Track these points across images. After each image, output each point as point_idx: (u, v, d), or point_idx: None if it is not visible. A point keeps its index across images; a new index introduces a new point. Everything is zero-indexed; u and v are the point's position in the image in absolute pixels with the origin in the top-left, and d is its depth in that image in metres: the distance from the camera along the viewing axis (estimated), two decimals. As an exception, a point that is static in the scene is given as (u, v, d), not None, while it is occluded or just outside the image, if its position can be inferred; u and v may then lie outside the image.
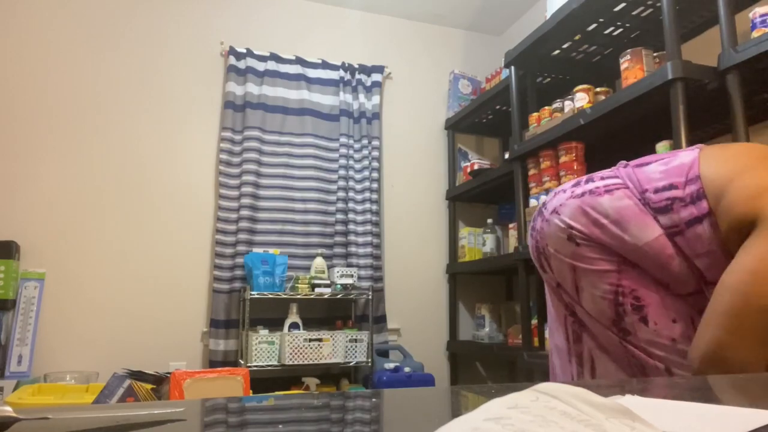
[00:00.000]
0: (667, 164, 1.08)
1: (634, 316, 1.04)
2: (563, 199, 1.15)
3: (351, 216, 3.10)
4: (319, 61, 3.23)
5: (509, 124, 2.73)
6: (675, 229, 1.03)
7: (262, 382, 2.74)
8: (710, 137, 2.21)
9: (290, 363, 2.63)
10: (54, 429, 0.40)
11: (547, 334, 2.36)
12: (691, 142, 1.69)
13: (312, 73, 3.21)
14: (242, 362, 2.67)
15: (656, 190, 1.06)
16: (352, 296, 2.92)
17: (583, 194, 1.12)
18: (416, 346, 3.13)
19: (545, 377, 2.40)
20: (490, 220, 3.17)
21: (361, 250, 3.07)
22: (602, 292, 1.07)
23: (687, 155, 1.07)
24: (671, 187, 1.05)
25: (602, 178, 1.14)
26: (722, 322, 0.92)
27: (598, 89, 2.22)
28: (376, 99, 3.30)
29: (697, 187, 1.01)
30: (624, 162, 1.17)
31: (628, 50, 2.04)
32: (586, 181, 1.16)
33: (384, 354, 2.95)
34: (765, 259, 0.91)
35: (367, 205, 3.12)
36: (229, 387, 1.69)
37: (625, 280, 1.06)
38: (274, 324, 2.81)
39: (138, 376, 1.69)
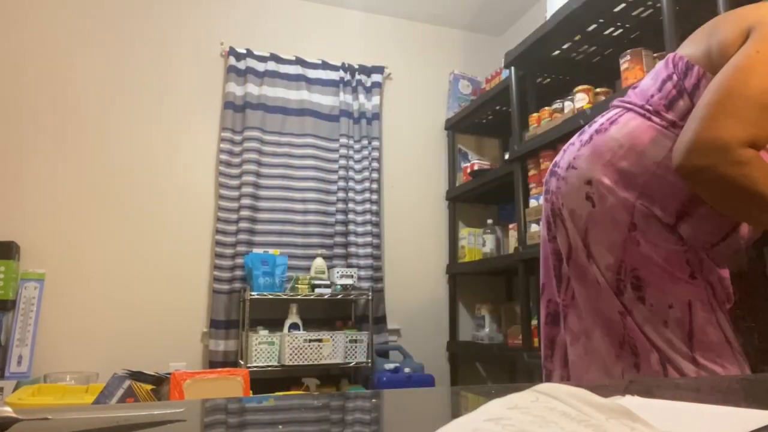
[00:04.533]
0: (654, 71, 1.12)
1: (633, 294, 1.03)
2: (575, 151, 1.13)
3: (351, 216, 3.10)
4: (319, 62, 3.23)
5: (509, 124, 2.73)
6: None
7: (262, 382, 2.74)
8: (710, 138, 2.20)
9: (290, 363, 2.63)
10: (54, 429, 0.40)
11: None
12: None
13: (312, 73, 3.21)
14: (242, 363, 2.67)
15: (657, 91, 1.07)
16: (351, 297, 2.92)
17: (591, 138, 1.11)
18: (416, 347, 3.13)
19: (545, 378, 2.40)
20: (490, 221, 3.17)
21: (361, 251, 3.07)
22: (607, 262, 1.06)
23: (666, 57, 1.11)
24: (667, 79, 1.07)
25: (603, 115, 1.14)
26: (705, 112, 0.93)
27: (598, 90, 2.22)
28: (376, 99, 3.30)
29: (684, 62, 1.05)
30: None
31: (628, 51, 2.04)
32: (590, 125, 1.16)
33: (384, 354, 2.95)
34: (751, 55, 0.93)
35: (367, 206, 3.12)
36: (229, 387, 1.69)
37: (628, 257, 1.04)
38: (274, 324, 2.80)
39: (138, 376, 1.69)
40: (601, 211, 1.06)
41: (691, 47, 1.07)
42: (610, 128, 1.09)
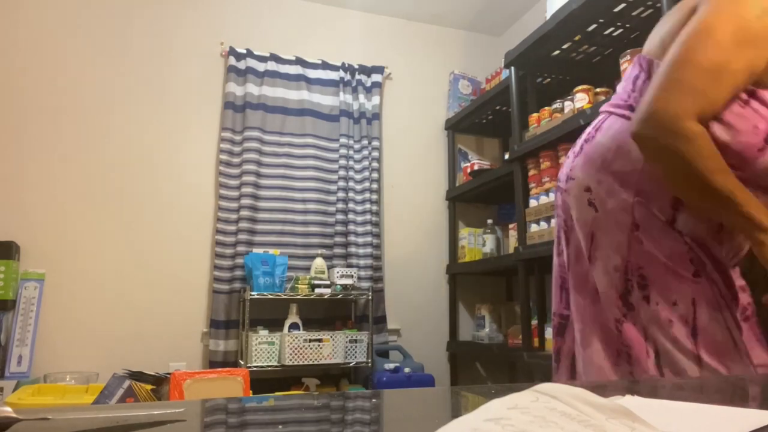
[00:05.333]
0: (627, 74, 1.16)
1: (639, 293, 1.04)
2: (570, 163, 1.18)
3: (351, 216, 3.10)
4: (319, 62, 3.23)
5: (509, 124, 2.73)
6: None
7: (262, 382, 2.74)
8: (710, 138, 2.21)
9: (290, 363, 2.63)
10: (54, 429, 0.40)
11: (547, 335, 2.36)
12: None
13: (312, 73, 3.21)
14: (242, 363, 2.67)
15: (631, 91, 1.11)
16: (351, 297, 2.92)
17: (582, 148, 1.16)
18: (416, 347, 3.13)
19: (545, 378, 2.40)
20: (490, 221, 3.17)
21: (361, 251, 3.07)
22: (615, 263, 1.07)
23: (635, 59, 1.16)
24: (636, 78, 1.11)
25: (591, 124, 1.19)
26: (658, 83, 0.97)
27: (598, 90, 2.23)
28: (376, 99, 3.30)
29: (646, 60, 1.10)
30: None
31: (628, 51, 2.04)
32: (579, 137, 1.20)
33: (384, 354, 2.95)
34: (698, 27, 0.96)
35: (367, 206, 3.12)
36: (229, 388, 1.69)
37: (633, 256, 1.05)
38: (274, 324, 2.80)
39: (138, 376, 1.69)
40: (604, 214, 1.09)
41: (648, 44, 1.12)
42: (596, 135, 1.13)
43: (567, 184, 1.17)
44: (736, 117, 0.96)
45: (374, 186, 3.18)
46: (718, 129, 0.96)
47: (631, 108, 1.08)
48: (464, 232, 3.21)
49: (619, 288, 1.07)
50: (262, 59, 3.12)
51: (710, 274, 1.02)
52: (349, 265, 3.02)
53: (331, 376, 2.92)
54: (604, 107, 1.17)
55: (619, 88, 1.17)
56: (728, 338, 1.00)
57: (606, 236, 1.09)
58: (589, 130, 1.18)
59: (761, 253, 0.96)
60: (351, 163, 3.17)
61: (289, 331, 2.72)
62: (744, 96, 0.97)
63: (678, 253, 1.03)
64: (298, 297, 2.77)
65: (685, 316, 1.01)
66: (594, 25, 2.33)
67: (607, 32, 2.39)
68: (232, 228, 2.90)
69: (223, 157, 2.96)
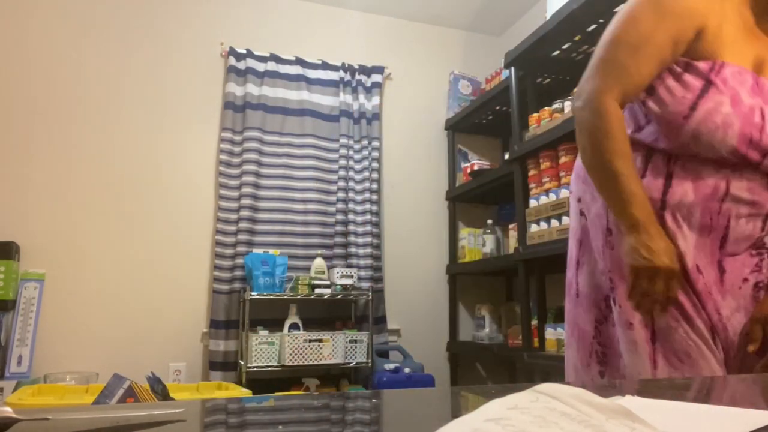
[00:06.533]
0: None
1: (611, 296, 1.10)
2: (571, 178, 1.28)
3: (351, 216, 3.10)
4: (319, 62, 3.23)
5: (509, 124, 2.73)
6: None
7: (262, 382, 2.74)
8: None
9: (290, 364, 2.62)
10: (54, 429, 0.40)
11: (547, 335, 2.36)
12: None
13: (312, 73, 3.21)
14: (242, 363, 2.67)
15: None
16: (351, 297, 2.92)
17: (574, 161, 1.24)
18: (416, 347, 3.13)
19: (545, 378, 2.40)
20: (490, 221, 3.17)
21: (361, 251, 3.07)
22: (601, 267, 1.13)
23: None
24: None
25: None
26: (591, 63, 1.07)
27: (598, 90, 2.22)
28: (376, 99, 3.30)
29: None
30: None
31: (628, 51, 2.03)
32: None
33: (384, 354, 2.95)
34: (621, 15, 1.05)
35: (367, 206, 3.12)
36: None
37: (607, 260, 1.10)
38: (274, 325, 2.80)
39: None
40: (590, 221, 1.15)
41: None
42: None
43: (570, 197, 1.25)
44: (666, 90, 1.02)
45: (374, 186, 3.18)
46: (651, 102, 1.04)
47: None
48: (464, 233, 3.21)
49: (605, 290, 1.11)
50: (262, 59, 3.12)
51: None
52: (349, 266, 3.02)
53: (331, 376, 2.92)
54: None
55: None
56: (687, 340, 1.00)
57: (592, 241, 1.14)
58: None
59: (623, 251, 1.03)
60: (351, 163, 3.17)
61: (289, 332, 2.72)
62: (678, 69, 1.02)
63: None
64: (298, 297, 2.77)
65: (645, 320, 1.02)
66: (594, 25, 2.33)
67: (607, 32, 2.39)
68: (232, 228, 2.90)
69: (223, 157, 2.96)
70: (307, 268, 2.92)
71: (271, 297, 2.72)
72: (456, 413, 0.45)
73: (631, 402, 0.46)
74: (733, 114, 0.96)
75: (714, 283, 1.01)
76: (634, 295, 1.01)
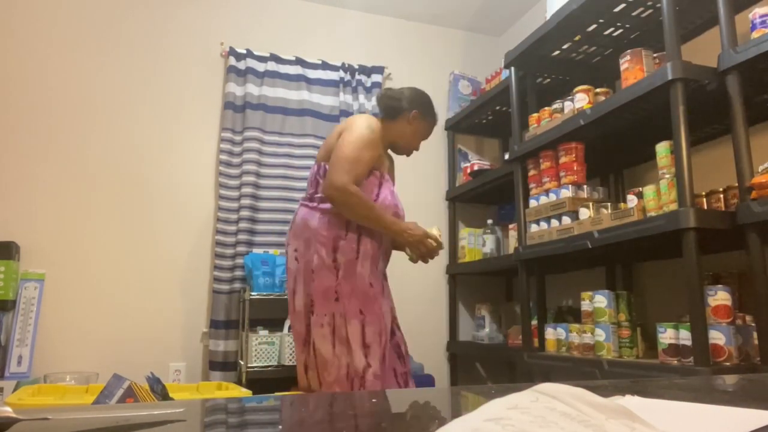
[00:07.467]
0: (310, 173, 2.20)
1: (311, 309, 1.97)
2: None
3: (351, 216, 3.09)
4: (319, 62, 3.23)
5: (509, 124, 2.73)
6: None
7: (262, 382, 2.73)
8: (710, 138, 2.21)
9: (290, 364, 2.63)
10: (54, 429, 0.40)
11: (547, 335, 2.36)
12: (691, 143, 1.69)
13: (312, 73, 3.21)
14: (242, 363, 2.67)
15: (315, 186, 2.09)
16: (352, 297, 2.91)
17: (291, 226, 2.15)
18: (416, 347, 3.13)
19: (545, 378, 2.40)
20: (490, 221, 3.17)
21: (361, 251, 3.06)
22: (306, 292, 2.03)
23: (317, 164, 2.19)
24: (316, 175, 2.11)
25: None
26: (332, 168, 1.90)
27: (598, 90, 2.22)
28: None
29: (322, 165, 2.10)
30: None
31: (628, 51, 2.04)
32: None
33: (384, 354, 2.94)
34: (347, 137, 1.93)
35: (367, 206, 3.12)
36: None
37: (308, 287, 2.00)
38: (274, 324, 2.80)
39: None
40: (303, 263, 2.01)
41: (319, 154, 2.08)
42: (296, 219, 2.09)
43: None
44: (366, 184, 1.95)
45: (374, 186, 3.17)
46: (361, 189, 1.90)
47: (312, 199, 1.99)
48: (464, 232, 3.21)
49: (307, 306, 1.95)
50: (262, 59, 3.12)
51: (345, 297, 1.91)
52: (349, 266, 3.01)
53: (331, 376, 2.91)
54: (301, 200, 2.07)
55: (307, 184, 2.08)
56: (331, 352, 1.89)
57: (303, 275, 1.97)
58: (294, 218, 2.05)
59: (408, 243, 2.00)
60: (351, 163, 3.16)
61: (289, 331, 2.72)
62: (374, 172, 1.99)
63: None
64: (298, 297, 2.76)
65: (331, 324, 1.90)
66: (594, 26, 2.33)
67: (607, 32, 2.39)
68: (232, 228, 2.90)
69: (223, 157, 2.96)
70: (307, 268, 2.92)
71: (271, 297, 2.72)
72: (456, 413, 0.45)
73: (631, 402, 0.46)
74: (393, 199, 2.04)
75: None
76: (416, 257, 2.03)
